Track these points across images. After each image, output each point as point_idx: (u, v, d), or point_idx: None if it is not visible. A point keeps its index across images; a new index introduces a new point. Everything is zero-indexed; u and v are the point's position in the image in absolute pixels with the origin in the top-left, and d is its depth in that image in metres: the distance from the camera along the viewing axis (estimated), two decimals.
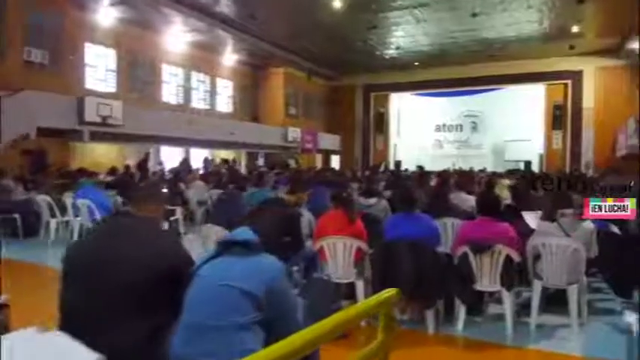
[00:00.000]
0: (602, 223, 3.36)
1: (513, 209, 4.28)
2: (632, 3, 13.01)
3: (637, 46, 15.51)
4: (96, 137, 11.31)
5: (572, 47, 16.89)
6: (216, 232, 3.35)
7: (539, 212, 3.57)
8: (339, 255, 3.35)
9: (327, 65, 20.75)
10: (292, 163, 18.54)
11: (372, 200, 4.18)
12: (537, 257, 3.35)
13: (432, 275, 3.07)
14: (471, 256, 3.14)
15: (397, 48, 17.90)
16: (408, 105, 23.98)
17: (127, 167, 11.16)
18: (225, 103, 18.88)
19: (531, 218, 3.72)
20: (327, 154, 22.12)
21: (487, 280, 3.14)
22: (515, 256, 3.12)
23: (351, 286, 3.38)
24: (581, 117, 18.84)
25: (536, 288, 3.36)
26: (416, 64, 19.93)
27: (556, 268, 3.16)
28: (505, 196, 4.83)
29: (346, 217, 3.34)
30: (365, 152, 22.79)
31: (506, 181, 5.46)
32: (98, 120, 10.92)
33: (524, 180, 4.50)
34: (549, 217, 3.35)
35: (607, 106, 17.98)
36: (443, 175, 6.96)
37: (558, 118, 19.68)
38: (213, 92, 18.10)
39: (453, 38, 16.55)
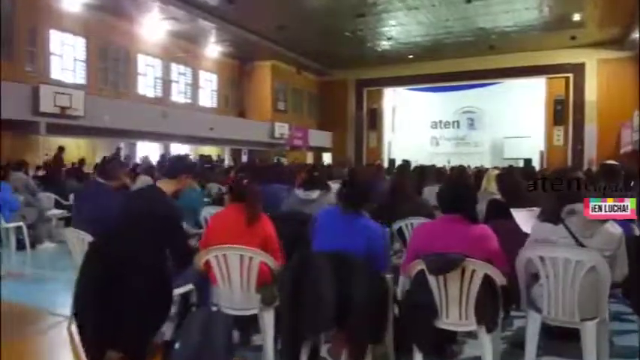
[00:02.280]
0: (624, 226, 2.37)
1: (499, 206, 3.27)
2: None
3: None
4: (55, 130, 10.39)
5: (573, 38, 16.08)
6: None
7: (535, 209, 2.58)
8: (233, 274, 2.36)
9: (318, 59, 19.90)
10: (283, 160, 17.64)
11: (314, 194, 3.22)
12: (534, 277, 2.33)
13: (368, 306, 2.11)
14: (431, 279, 2.17)
15: (389, 39, 17.04)
16: (403, 101, 23.16)
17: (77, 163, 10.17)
18: (209, 97, 17.98)
19: (523, 218, 2.72)
20: (318, 151, 21.23)
21: (455, 315, 2.15)
22: (499, 277, 2.14)
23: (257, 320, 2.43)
24: (583, 112, 18.01)
25: (531, 323, 2.34)
26: (410, 57, 19.07)
27: (563, 295, 2.15)
28: (493, 189, 3.91)
29: (244, 216, 2.41)
30: (358, 150, 21.92)
31: (496, 171, 4.43)
32: (56, 111, 10.00)
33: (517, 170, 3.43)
34: (552, 215, 2.28)
35: (611, 100, 17.14)
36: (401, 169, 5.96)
37: (560, 113, 18.82)
38: (195, 85, 17.17)
39: (447, 28, 15.69)
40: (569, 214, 2.31)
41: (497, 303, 2.22)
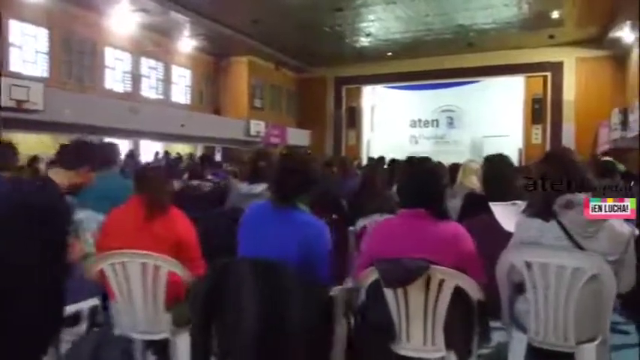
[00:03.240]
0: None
1: (478, 201, 2.82)
2: None
3: (620, 35, 14.69)
4: (12, 125, 9.74)
5: (551, 37, 16.03)
6: None
7: (519, 203, 2.17)
8: (134, 287, 1.89)
9: (296, 55, 19.48)
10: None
11: (259, 188, 2.79)
12: (518, 288, 1.93)
13: (302, 328, 1.68)
14: (387, 292, 1.76)
15: (368, 35, 16.73)
16: (382, 99, 22.89)
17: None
18: (182, 93, 17.38)
19: (504, 213, 2.32)
20: (297, 149, 20.81)
21: (419, 337, 1.74)
22: (474, 289, 1.74)
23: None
24: (561, 111, 17.99)
25: (515, 345, 1.92)
26: (389, 54, 18.81)
27: (555, 312, 1.75)
28: (473, 184, 3.54)
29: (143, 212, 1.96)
30: (337, 148, 21.57)
31: (475, 164, 3.98)
32: (13, 105, 9.36)
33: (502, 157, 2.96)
34: (542, 209, 1.86)
35: (588, 99, 17.16)
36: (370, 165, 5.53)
37: (538, 112, 18.77)
38: (167, 81, 16.56)
39: (426, 24, 15.44)
40: (565, 208, 1.85)
41: (471, 323, 1.81)
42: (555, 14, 14.11)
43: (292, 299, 1.66)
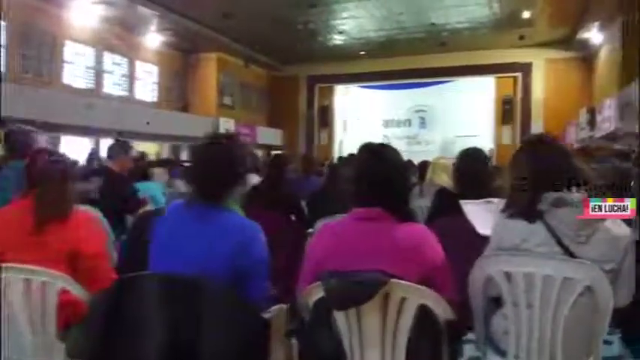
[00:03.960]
0: None
1: (452, 199, 2.50)
2: None
3: (588, 37, 14.88)
4: None
5: (522, 37, 16.14)
6: None
7: (495, 201, 1.86)
8: (16, 308, 1.53)
9: (268, 53, 19.08)
10: None
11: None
12: (495, 303, 1.64)
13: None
14: (336, 315, 1.43)
15: (341, 33, 16.50)
16: (355, 98, 22.75)
17: None
18: (149, 89, 16.75)
19: (478, 213, 2.03)
20: (267, 149, 20.40)
21: None
22: (442, 308, 1.43)
23: None
24: (531, 111, 18.20)
25: None
26: (362, 53, 18.65)
27: (540, 331, 1.48)
28: (444, 182, 3.27)
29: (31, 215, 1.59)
30: (309, 148, 21.27)
31: (446, 161, 3.70)
32: None
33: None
34: (526, 208, 1.57)
35: (557, 100, 17.39)
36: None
37: (508, 112, 19.01)
38: (132, 77, 15.91)
39: (400, 23, 15.32)
40: (554, 207, 1.54)
41: (439, 348, 1.51)
42: (526, 15, 14.18)
43: (210, 325, 1.32)
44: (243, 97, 19.88)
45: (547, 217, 1.55)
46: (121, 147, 4.27)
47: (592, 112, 14.23)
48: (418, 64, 18.52)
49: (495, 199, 1.99)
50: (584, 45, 15.64)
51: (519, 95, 18.45)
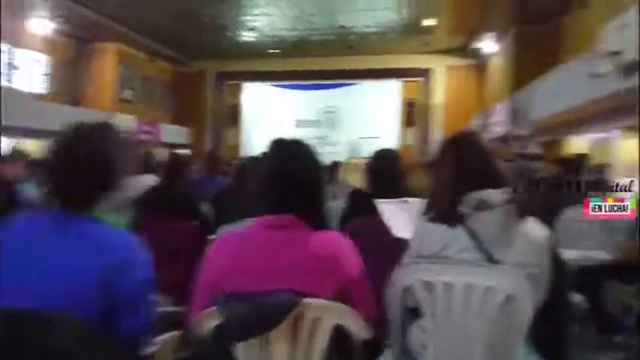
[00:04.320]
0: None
1: (367, 199, 2.37)
2: (478, 3, 13.04)
3: (482, 46, 16.03)
4: None
5: (426, 44, 16.98)
6: None
7: (411, 200, 1.74)
8: None
9: (174, 47, 18.12)
10: None
11: None
12: (413, 313, 1.50)
13: None
14: (237, 345, 1.19)
15: (252, 30, 16.12)
16: (265, 97, 22.43)
17: None
18: (36, 81, 15.02)
19: (395, 213, 1.87)
20: (171, 148, 19.36)
21: None
22: (359, 328, 1.27)
23: None
24: (432, 115, 19.18)
25: None
26: (274, 51, 18.44)
27: (463, 343, 1.38)
28: (356, 182, 3.15)
29: None
30: (217, 148, 20.54)
31: (358, 161, 3.62)
32: None
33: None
34: (448, 212, 1.45)
35: (455, 105, 18.55)
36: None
37: (412, 115, 19.93)
38: (12, 66, 14.16)
39: (312, 23, 15.33)
40: (476, 210, 1.44)
41: None
42: (430, 22, 14.88)
43: None
44: (145, 92, 18.66)
45: (469, 220, 1.44)
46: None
47: (485, 117, 15.43)
48: (328, 66, 18.72)
49: (411, 199, 1.88)
50: (478, 54, 16.87)
51: (422, 99, 19.41)
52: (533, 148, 11.69)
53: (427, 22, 14.76)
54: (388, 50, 17.75)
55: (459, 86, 18.41)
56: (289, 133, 22.44)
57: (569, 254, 2.54)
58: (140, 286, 1.26)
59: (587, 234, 3.41)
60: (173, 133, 19.10)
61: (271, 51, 18.30)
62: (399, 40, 16.64)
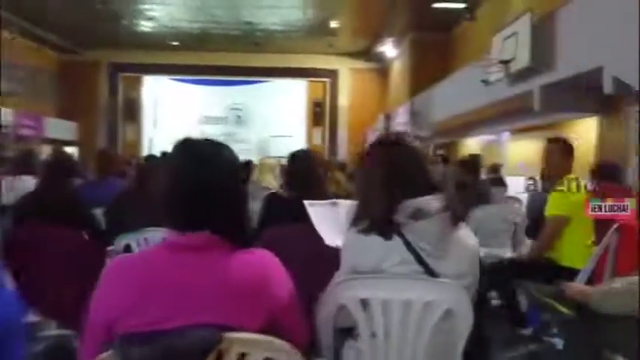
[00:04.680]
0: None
1: (285, 204, 2.22)
2: (378, 8, 13.51)
3: (384, 50, 16.68)
4: None
5: (330, 45, 17.21)
6: None
7: (341, 203, 1.57)
8: None
9: (60, 33, 16.37)
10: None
11: None
12: (347, 333, 1.38)
13: None
14: None
15: (150, 19, 15.11)
16: (167, 92, 21.31)
17: None
18: None
19: (325, 218, 1.68)
20: (58, 144, 17.55)
21: None
22: (291, 358, 1.06)
23: None
24: (337, 116, 19.56)
25: None
26: (175, 43, 17.50)
27: None
28: (270, 183, 2.97)
29: None
30: (112, 145, 18.99)
31: (272, 161, 3.44)
32: None
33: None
34: (381, 222, 1.33)
35: (359, 106, 19.11)
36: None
37: (318, 115, 20.22)
38: None
39: (214, 17, 14.76)
40: (412, 219, 1.34)
41: None
42: (334, 24, 15.09)
43: None
44: (26, 82, 16.63)
45: (405, 231, 1.33)
46: None
47: (387, 119, 16.09)
48: (234, 62, 18.23)
49: (341, 201, 1.74)
50: (381, 57, 17.54)
51: (328, 100, 19.74)
52: (437, 150, 12.40)
53: (332, 24, 14.96)
54: (294, 50, 17.74)
55: (362, 88, 18.97)
56: (194, 130, 21.72)
57: (480, 253, 2.63)
58: (9, 325, 0.97)
59: (493, 233, 3.59)
60: (60, 127, 17.25)
61: (171, 43, 17.34)
62: (304, 40, 16.68)
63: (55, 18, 14.53)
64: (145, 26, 15.75)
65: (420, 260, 1.35)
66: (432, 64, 14.54)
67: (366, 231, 1.38)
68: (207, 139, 1.30)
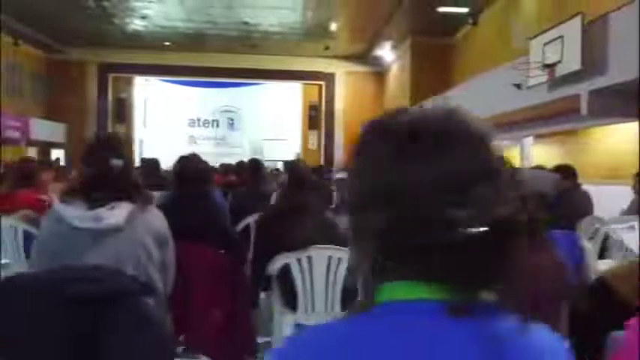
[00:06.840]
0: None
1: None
2: (378, 12, 13.28)
3: (381, 54, 16.48)
4: None
5: (327, 48, 16.98)
6: None
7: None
8: None
9: (47, 31, 15.82)
10: None
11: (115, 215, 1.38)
12: None
13: None
14: None
15: (143, 18, 14.67)
16: (157, 93, 20.90)
17: None
18: None
19: None
20: (45, 146, 16.97)
21: None
22: None
23: None
24: (333, 119, 19.32)
25: None
26: (167, 44, 17.07)
27: None
28: None
29: None
30: None
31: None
32: None
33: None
34: None
35: (355, 110, 18.87)
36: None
37: (314, 118, 19.93)
38: None
39: (211, 16, 14.41)
40: None
41: None
42: (331, 27, 14.84)
43: None
44: (10, 82, 16.00)
45: None
46: None
47: None
48: (228, 63, 17.91)
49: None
50: (378, 61, 17.34)
51: (324, 103, 19.48)
52: None
53: (330, 26, 14.70)
54: (291, 52, 17.46)
55: (359, 92, 18.74)
56: (183, 132, 21.19)
57: None
58: None
59: None
60: (47, 128, 16.66)
61: (164, 43, 16.88)
62: (302, 42, 16.41)
63: (41, 15, 13.99)
64: (137, 25, 15.29)
65: None
66: (432, 69, 14.36)
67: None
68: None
